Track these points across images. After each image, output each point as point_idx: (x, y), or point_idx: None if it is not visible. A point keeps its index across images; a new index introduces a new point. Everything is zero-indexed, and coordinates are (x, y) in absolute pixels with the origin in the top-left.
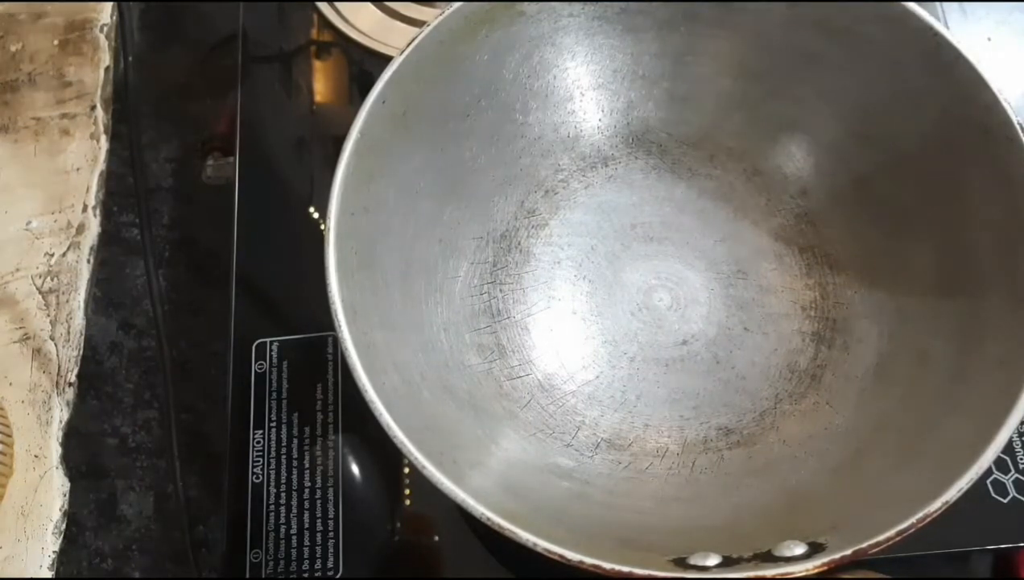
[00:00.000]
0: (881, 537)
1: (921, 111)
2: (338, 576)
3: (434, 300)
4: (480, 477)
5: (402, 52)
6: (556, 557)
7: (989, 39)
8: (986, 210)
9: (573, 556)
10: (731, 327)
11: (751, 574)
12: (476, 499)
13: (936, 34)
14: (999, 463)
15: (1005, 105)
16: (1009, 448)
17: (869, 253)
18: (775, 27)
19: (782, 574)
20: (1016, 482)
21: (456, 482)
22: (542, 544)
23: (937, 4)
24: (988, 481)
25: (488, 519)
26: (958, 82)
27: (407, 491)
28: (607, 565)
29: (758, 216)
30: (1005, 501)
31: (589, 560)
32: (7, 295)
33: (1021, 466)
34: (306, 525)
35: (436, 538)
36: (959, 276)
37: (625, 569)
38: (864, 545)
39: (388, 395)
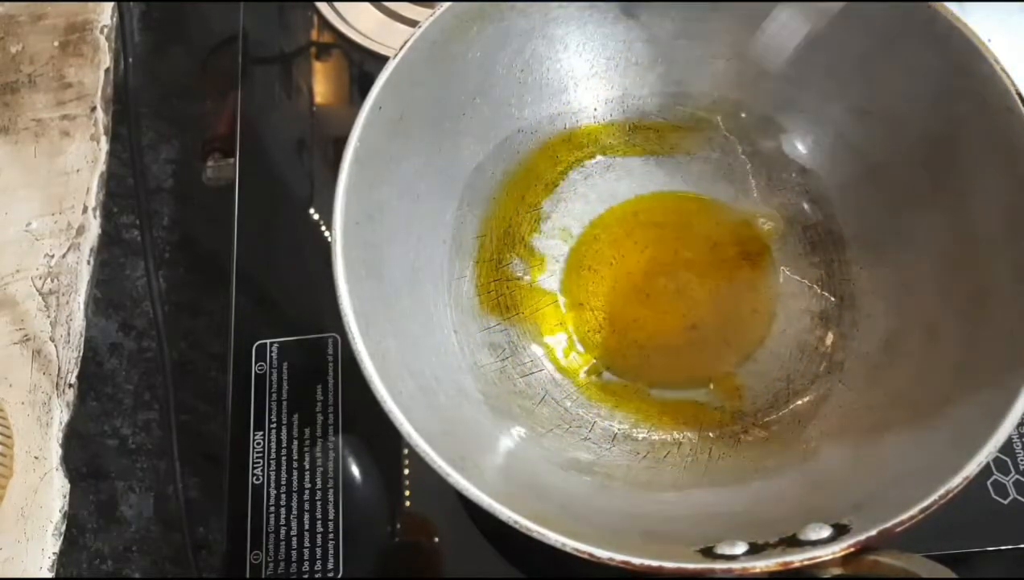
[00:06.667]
0: (905, 515)
1: (919, 85)
2: (338, 577)
3: (443, 302)
4: (503, 479)
5: (395, 55)
6: (585, 555)
7: (989, 40)
8: (988, 182)
9: (603, 554)
10: (739, 309)
11: (779, 560)
12: (501, 502)
13: (930, 6)
14: (999, 464)
15: (1003, 75)
16: (1009, 449)
17: (873, 228)
18: (767, 7)
19: (810, 559)
20: (1016, 483)
21: (480, 486)
22: (571, 544)
23: (936, 4)
24: (988, 482)
25: (516, 523)
26: (955, 54)
27: (407, 492)
28: (636, 560)
29: (759, 196)
30: (1006, 502)
31: (619, 557)
32: (7, 296)
33: (1022, 467)
34: (306, 526)
35: (436, 539)
36: (964, 249)
37: (655, 563)
38: (889, 524)
39: (406, 403)
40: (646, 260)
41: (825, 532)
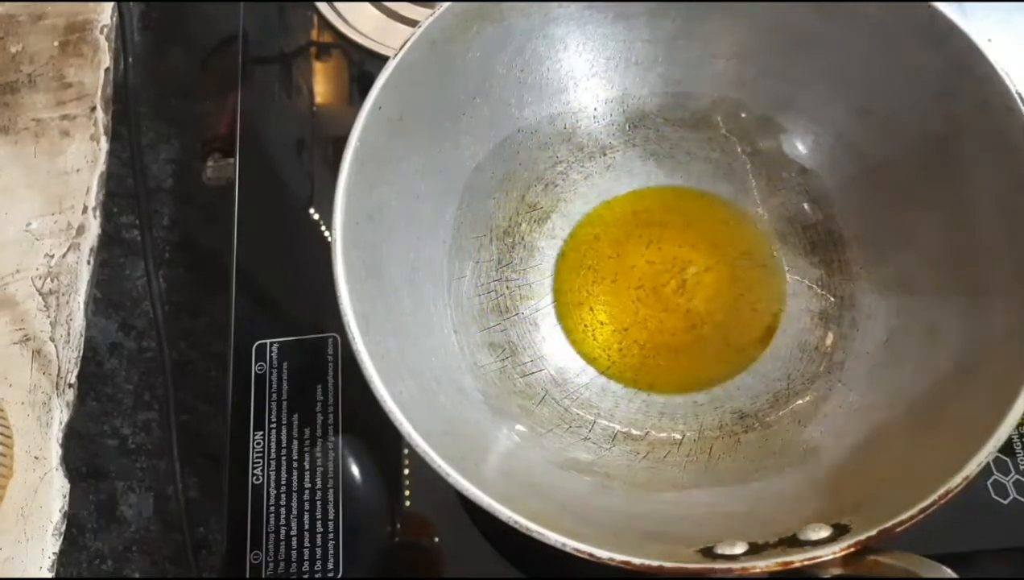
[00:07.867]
0: (905, 515)
1: (920, 85)
2: (338, 577)
3: (443, 302)
4: (503, 479)
5: (395, 55)
6: (585, 555)
7: (989, 40)
8: (989, 182)
9: (603, 554)
10: (739, 309)
11: (779, 560)
12: (501, 502)
13: (930, 7)
14: (999, 464)
15: (1003, 76)
16: (1009, 449)
17: (873, 228)
18: (768, 7)
19: (809, 559)
20: (1016, 483)
21: (480, 486)
22: (571, 544)
23: (936, 4)
24: (988, 482)
25: (516, 523)
26: (955, 55)
27: (407, 492)
28: (636, 560)
29: (759, 196)
30: (1006, 502)
31: (619, 557)
32: (7, 296)
33: (1022, 467)
34: (306, 526)
35: (436, 539)
36: (964, 249)
37: (655, 563)
38: (888, 524)
39: (406, 403)
40: (646, 260)
41: (825, 532)
